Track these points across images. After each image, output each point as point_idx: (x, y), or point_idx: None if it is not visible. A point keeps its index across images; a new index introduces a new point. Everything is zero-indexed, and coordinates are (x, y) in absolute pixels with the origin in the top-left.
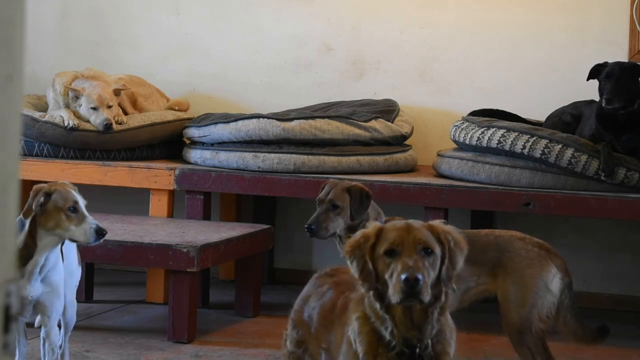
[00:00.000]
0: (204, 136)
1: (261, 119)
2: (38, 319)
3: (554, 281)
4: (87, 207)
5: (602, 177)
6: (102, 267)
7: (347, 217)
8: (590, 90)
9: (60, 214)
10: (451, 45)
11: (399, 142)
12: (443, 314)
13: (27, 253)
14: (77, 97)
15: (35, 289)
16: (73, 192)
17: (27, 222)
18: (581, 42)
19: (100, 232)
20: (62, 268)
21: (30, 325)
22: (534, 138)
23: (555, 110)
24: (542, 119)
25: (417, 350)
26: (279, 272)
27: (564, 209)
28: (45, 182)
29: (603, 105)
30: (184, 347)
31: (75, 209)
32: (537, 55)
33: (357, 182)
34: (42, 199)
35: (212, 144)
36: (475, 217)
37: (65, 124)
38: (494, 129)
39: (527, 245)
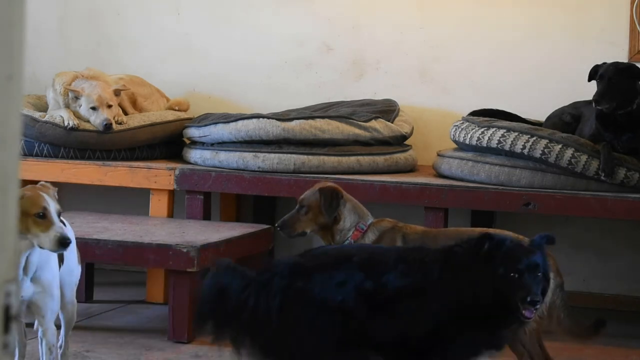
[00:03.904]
0: (204, 136)
1: (261, 119)
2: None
3: None
4: (83, 208)
5: (602, 177)
6: (102, 267)
7: (317, 217)
8: (590, 90)
9: (28, 219)
10: (451, 45)
11: (399, 142)
12: None
13: None
14: (76, 98)
15: (25, 290)
16: (45, 197)
17: None
18: (581, 42)
19: (62, 242)
20: (56, 267)
21: (29, 325)
22: (534, 138)
23: (555, 110)
24: (542, 119)
25: None
26: None
27: (564, 209)
28: (45, 182)
29: (593, 106)
30: (184, 347)
31: (43, 215)
32: (537, 55)
33: (355, 181)
34: None
35: (212, 144)
36: (475, 217)
37: (65, 124)
38: (494, 129)
39: None
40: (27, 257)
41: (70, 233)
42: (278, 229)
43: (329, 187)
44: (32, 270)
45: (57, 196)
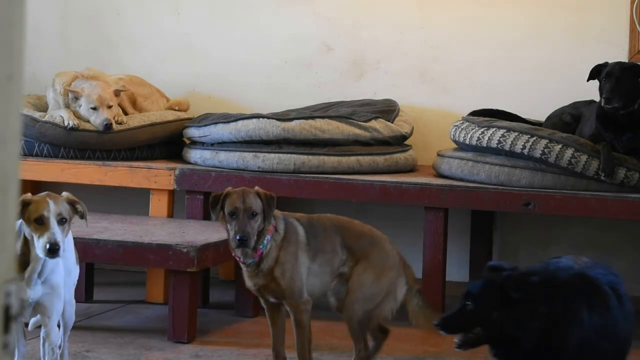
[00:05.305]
0: (204, 136)
1: (261, 119)
2: (33, 321)
3: (401, 290)
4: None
5: (602, 177)
6: (102, 267)
7: (259, 223)
8: (590, 90)
9: (31, 225)
10: (451, 45)
11: (399, 142)
12: None
13: (23, 260)
14: (76, 98)
15: (35, 292)
16: (50, 203)
17: (22, 229)
18: (581, 42)
19: (50, 248)
20: (62, 269)
21: (26, 325)
22: (534, 138)
23: (555, 110)
24: (542, 119)
25: None
26: None
27: (564, 209)
28: (45, 182)
29: (602, 104)
30: (184, 347)
31: (42, 220)
32: (537, 55)
33: (355, 181)
34: (19, 208)
35: (212, 144)
36: (475, 217)
37: (65, 124)
38: (494, 129)
39: (394, 250)
40: (44, 262)
41: (68, 236)
42: (240, 241)
43: (263, 191)
44: (45, 274)
45: (80, 208)
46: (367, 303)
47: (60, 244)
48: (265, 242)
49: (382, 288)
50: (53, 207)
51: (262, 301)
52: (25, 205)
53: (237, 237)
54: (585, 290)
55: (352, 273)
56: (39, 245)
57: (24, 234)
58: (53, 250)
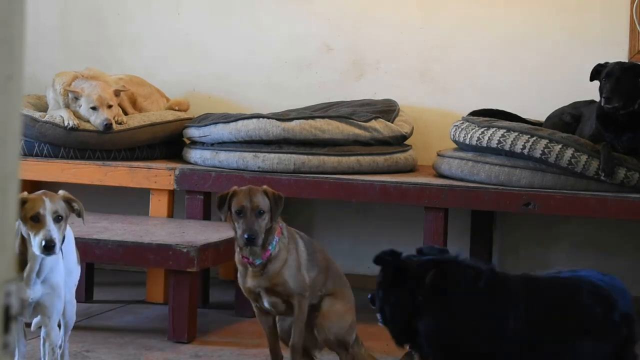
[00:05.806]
0: (204, 136)
1: (261, 119)
2: (35, 321)
3: (355, 333)
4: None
5: (602, 177)
6: (102, 267)
7: (267, 221)
8: (591, 91)
9: (28, 223)
10: (451, 45)
11: (399, 142)
12: None
13: (22, 259)
14: (76, 98)
15: (35, 291)
16: (46, 201)
17: (20, 228)
18: (581, 42)
19: (46, 245)
20: (62, 268)
21: (27, 325)
22: (534, 138)
23: (555, 110)
24: (542, 119)
25: None
26: None
27: (564, 209)
28: (45, 182)
29: (602, 104)
30: (184, 347)
31: (38, 218)
32: (537, 55)
33: (356, 181)
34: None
35: (212, 144)
36: (475, 217)
37: (65, 124)
38: (494, 129)
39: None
40: (42, 261)
41: (68, 234)
42: (247, 239)
43: (271, 190)
44: (44, 273)
45: (77, 206)
46: (340, 328)
47: (56, 241)
48: (274, 243)
49: (349, 320)
50: (49, 205)
51: (254, 305)
52: (21, 203)
53: (245, 236)
54: (471, 285)
55: (324, 300)
56: (35, 243)
57: (21, 233)
58: (49, 247)
